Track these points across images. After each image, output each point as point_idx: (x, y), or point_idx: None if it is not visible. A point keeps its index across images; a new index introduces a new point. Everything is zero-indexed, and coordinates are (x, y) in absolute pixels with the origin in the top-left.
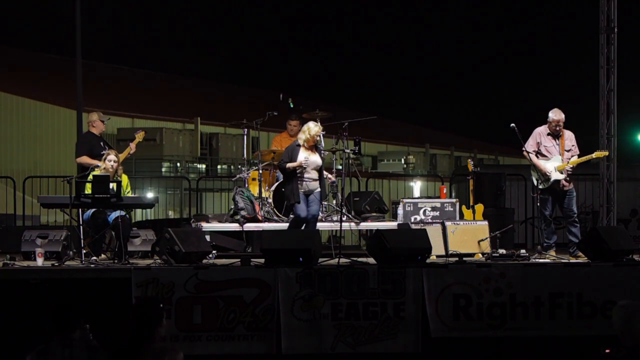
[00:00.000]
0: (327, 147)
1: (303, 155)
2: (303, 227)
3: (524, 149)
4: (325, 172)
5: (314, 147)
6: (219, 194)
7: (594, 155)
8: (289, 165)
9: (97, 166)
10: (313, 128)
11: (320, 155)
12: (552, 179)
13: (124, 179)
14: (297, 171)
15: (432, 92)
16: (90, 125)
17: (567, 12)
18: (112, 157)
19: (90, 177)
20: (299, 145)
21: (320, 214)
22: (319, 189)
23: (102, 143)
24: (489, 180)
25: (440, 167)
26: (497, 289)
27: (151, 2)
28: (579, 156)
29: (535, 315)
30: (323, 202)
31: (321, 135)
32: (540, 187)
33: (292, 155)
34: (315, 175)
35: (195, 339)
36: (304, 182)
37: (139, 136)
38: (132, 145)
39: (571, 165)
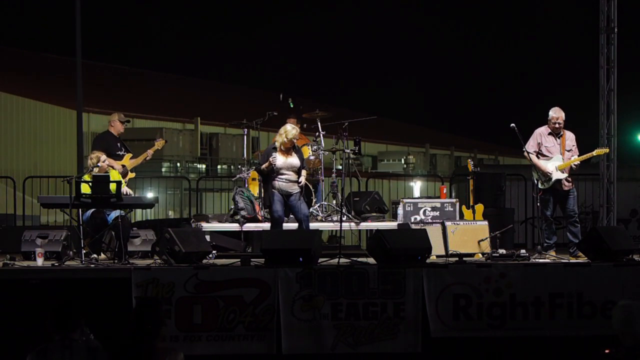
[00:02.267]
0: (327, 147)
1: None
2: (297, 227)
3: (524, 149)
4: (302, 172)
5: (291, 149)
6: (219, 194)
7: (594, 152)
8: (262, 166)
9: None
10: (290, 131)
11: (299, 157)
12: (553, 179)
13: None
14: (278, 172)
15: (432, 92)
16: (109, 125)
17: (567, 12)
18: (92, 155)
19: (87, 177)
20: (274, 148)
21: (320, 214)
22: (297, 191)
23: (119, 144)
24: (489, 180)
25: (440, 167)
26: (497, 289)
27: (151, 2)
28: (579, 156)
29: (535, 315)
30: (323, 202)
31: (321, 136)
32: (541, 187)
33: (268, 158)
34: (292, 176)
35: (195, 339)
36: (279, 183)
37: (159, 144)
38: (150, 152)
39: (576, 162)
